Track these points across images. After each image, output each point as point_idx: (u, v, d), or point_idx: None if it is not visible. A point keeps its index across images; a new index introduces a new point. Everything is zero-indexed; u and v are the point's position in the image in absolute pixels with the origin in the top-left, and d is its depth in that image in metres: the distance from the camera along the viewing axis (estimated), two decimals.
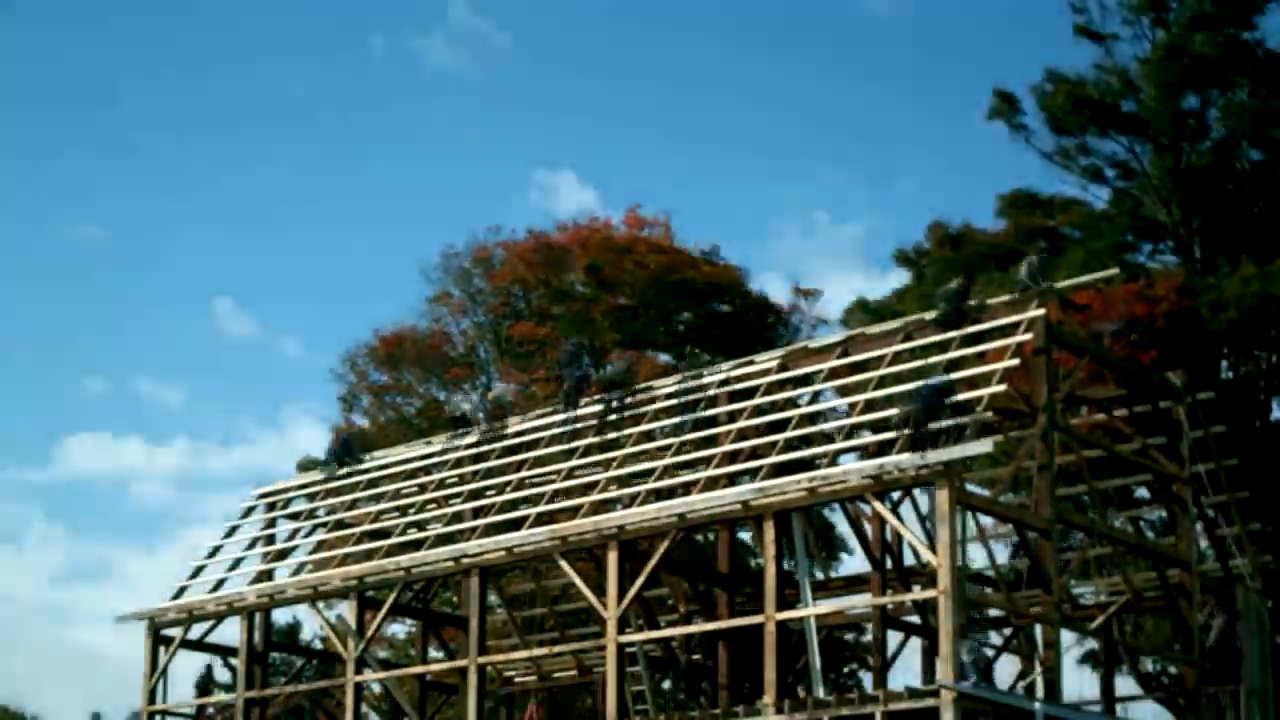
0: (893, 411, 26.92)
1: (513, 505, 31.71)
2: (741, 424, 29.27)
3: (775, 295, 55.23)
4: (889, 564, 30.74)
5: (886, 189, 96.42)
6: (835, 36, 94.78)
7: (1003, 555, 35.82)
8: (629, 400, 32.08)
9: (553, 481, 31.67)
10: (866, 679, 45.26)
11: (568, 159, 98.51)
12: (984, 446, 24.33)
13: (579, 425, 32.51)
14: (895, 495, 28.32)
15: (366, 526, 34.39)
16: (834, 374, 29.21)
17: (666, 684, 37.46)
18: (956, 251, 46.59)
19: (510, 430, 33.93)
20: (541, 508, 30.71)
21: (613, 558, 28.34)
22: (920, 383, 26.00)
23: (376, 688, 39.01)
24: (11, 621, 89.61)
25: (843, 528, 48.60)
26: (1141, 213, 45.54)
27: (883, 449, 26.45)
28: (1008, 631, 31.81)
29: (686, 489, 28.31)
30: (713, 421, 30.34)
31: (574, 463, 31.57)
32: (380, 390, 55.17)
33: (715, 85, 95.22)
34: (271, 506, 37.47)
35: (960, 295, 27.91)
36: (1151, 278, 42.16)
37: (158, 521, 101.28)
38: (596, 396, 33.06)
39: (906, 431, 24.99)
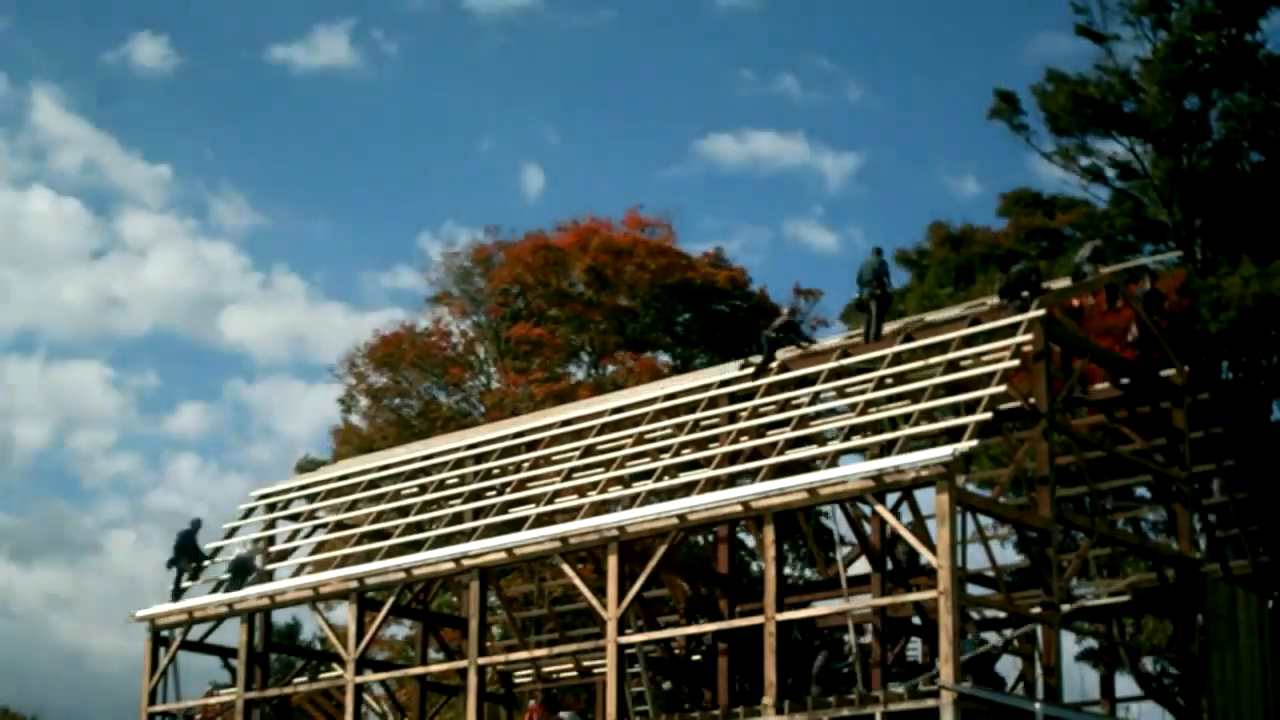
0: (893, 412, 27.02)
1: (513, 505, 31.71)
2: (742, 425, 29.24)
3: (776, 296, 55.25)
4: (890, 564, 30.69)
5: (887, 189, 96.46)
6: (836, 36, 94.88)
7: (1003, 556, 35.78)
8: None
9: (553, 482, 31.65)
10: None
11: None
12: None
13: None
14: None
15: (367, 527, 34.36)
16: (834, 375, 29.17)
17: (667, 685, 37.45)
18: (958, 252, 46.54)
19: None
20: (542, 508, 30.69)
21: (613, 559, 28.31)
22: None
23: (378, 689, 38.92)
24: None
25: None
26: (1142, 213, 45.45)
27: (883, 450, 26.43)
28: (1008, 631, 31.76)
29: (687, 490, 28.29)
30: (713, 422, 30.30)
31: (574, 463, 31.56)
32: (379, 391, 55.12)
33: (712, 81, 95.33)
34: (272, 508, 37.44)
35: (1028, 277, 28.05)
36: (1153, 278, 42.04)
37: None
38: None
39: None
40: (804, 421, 28.54)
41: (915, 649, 32.42)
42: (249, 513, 37.70)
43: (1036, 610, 26.42)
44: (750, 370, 30.53)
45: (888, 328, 29.50)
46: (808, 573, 47.77)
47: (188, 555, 35.96)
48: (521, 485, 32.30)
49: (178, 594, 35.50)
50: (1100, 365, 29.87)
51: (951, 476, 24.26)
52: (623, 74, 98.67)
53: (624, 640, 28.25)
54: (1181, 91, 44.42)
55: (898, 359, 28.18)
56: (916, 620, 31.35)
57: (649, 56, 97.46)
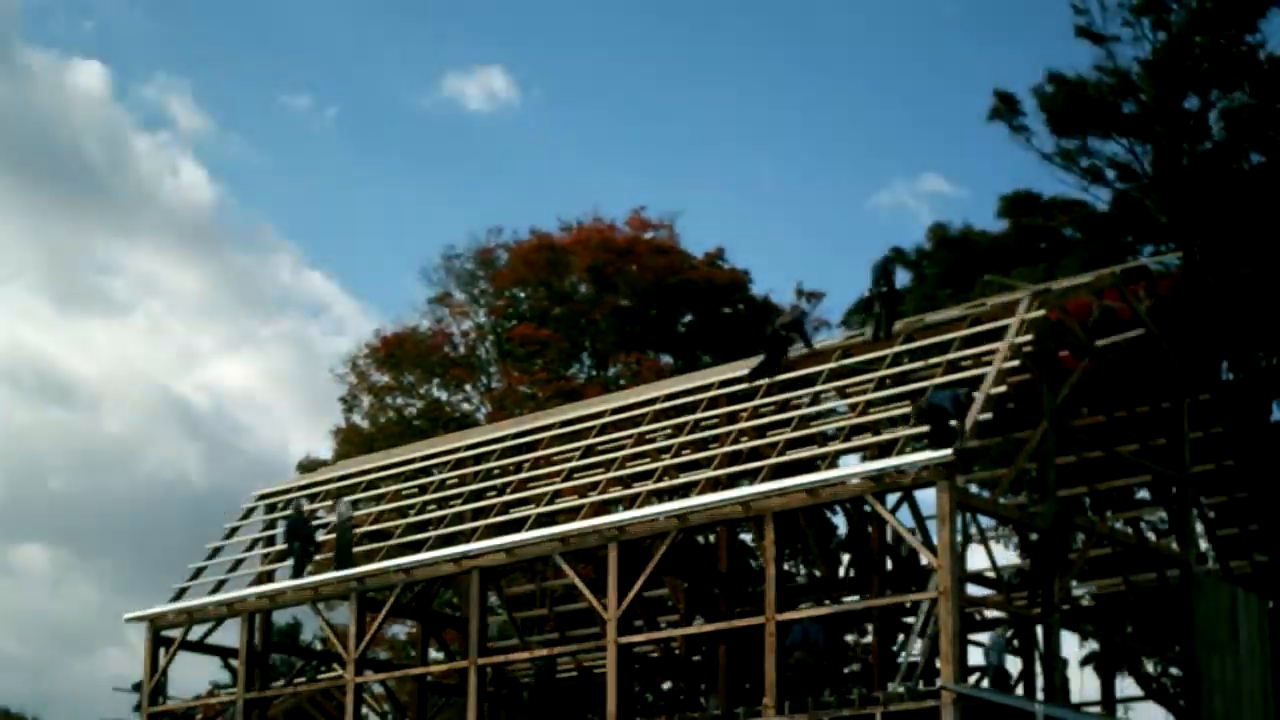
0: (893, 413, 27.02)
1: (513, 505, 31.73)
2: (742, 425, 29.25)
3: (778, 297, 55.16)
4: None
5: (887, 189, 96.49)
6: (837, 37, 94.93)
7: (1004, 556, 35.82)
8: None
9: (553, 483, 31.67)
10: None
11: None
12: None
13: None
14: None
15: (367, 527, 34.36)
16: (834, 375, 29.17)
17: (667, 685, 37.49)
18: (958, 253, 46.50)
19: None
20: (542, 509, 30.71)
21: (613, 559, 28.32)
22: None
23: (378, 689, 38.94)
24: None
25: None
26: (1142, 213, 45.43)
27: (883, 450, 26.44)
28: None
29: (686, 490, 28.30)
30: (713, 423, 30.31)
31: (574, 464, 31.57)
32: (381, 391, 55.11)
33: (715, 84, 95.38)
34: (272, 508, 37.43)
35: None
36: (1152, 278, 42.04)
37: None
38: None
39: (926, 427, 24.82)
40: (804, 422, 28.55)
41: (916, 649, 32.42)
42: (249, 513, 37.69)
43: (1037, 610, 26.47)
44: (752, 370, 30.47)
45: None
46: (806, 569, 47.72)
47: (300, 539, 34.78)
48: (522, 485, 32.32)
49: (299, 572, 33.87)
50: (1099, 366, 29.89)
51: (952, 477, 24.28)
52: (618, 69, 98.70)
53: (624, 640, 28.27)
54: (1181, 92, 44.41)
55: (898, 359, 28.19)
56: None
57: (649, 55, 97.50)
